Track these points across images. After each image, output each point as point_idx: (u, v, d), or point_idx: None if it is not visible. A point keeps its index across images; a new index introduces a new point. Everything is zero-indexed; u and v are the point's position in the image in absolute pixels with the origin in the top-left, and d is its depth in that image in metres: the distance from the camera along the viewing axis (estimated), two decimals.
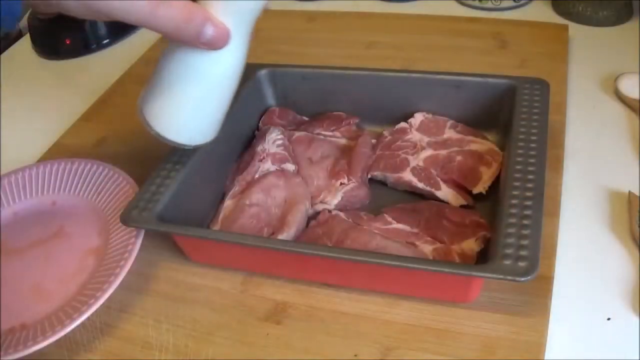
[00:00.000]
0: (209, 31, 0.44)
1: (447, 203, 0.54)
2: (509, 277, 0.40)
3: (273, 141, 0.60)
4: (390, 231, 0.51)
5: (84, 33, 0.90)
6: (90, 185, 0.61)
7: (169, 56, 0.48)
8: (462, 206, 0.53)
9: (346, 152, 0.60)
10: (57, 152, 0.70)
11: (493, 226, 0.49)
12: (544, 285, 0.47)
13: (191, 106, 0.49)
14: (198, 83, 0.48)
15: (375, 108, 0.63)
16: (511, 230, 0.43)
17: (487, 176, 0.55)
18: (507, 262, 0.41)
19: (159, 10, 0.41)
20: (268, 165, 0.58)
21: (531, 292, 0.46)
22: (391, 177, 0.57)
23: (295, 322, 0.48)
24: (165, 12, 0.41)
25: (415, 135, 0.59)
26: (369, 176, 0.58)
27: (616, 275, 0.49)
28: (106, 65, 0.87)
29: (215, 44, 0.45)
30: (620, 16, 0.78)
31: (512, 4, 0.84)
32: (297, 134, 0.62)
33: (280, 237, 0.51)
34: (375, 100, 0.63)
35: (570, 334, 0.45)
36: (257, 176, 0.58)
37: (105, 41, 0.91)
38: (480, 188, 0.54)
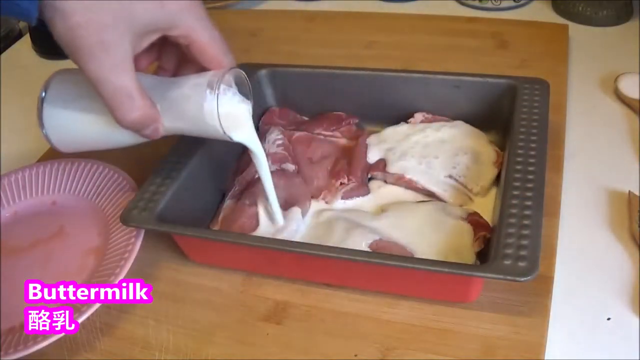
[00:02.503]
0: (147, 131, 0.45)
1: (447, 202, 0.54)
2: (509, 277, 0.40)
3: (273, 141, 0.60)
4: (391, 231, 0.51)
5: None
6: (90, 185, 0.61)
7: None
8: (461, 206, 0.53)
9: (346, 152, 0.60)
10: (57, 152, 0.69)
11: (493, 226, 0.49)
12: (544, 285, 0.47)
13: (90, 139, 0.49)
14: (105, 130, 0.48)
15: (375, 108, 0.63)
16: (511, 230, 0.43)
17: (487, 176, 0.55)
18: (507, 262, 0.41)
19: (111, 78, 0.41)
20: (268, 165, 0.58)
21: (531, 292, 0.46)
22: (391, 177, 0.57)
23: (295, 322, 0.48)
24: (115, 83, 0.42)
25: (415, 135, 0.59)
26: (369, 176, 0.58)
27: (616, 275, 0.49)
28: None
29: (143, 135, 0.46)
30: (620, 16, 0.78)
31: (512, 4, 0.84)
32: (297, 134, 0.62)
33: (280, 237, 0.51)
34: (375, 100, 0.63)
35: (570, 334, 0.45)
36: (257, 176, 0.58)
37: None
38: (480, 188, 0.54)
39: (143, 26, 0.42)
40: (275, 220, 0.52)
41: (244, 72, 0.48)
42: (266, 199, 0.51)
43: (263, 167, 0.50)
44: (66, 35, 0.40)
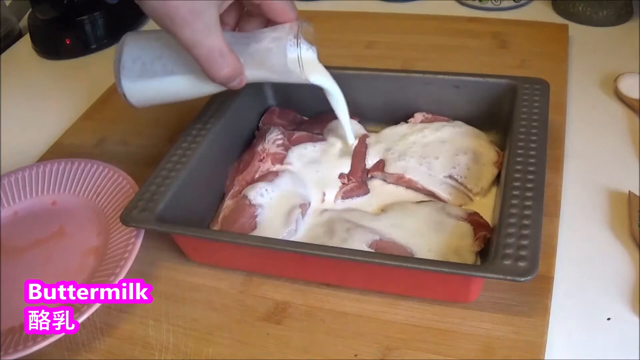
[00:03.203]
0: (234, 83, 0.50)
1: (447, 203, 0.54)
2: (509, 277, 0.40)
3: (273, 141, 0.60)
4: (391, 231, 0.51)
5: (84, 33, 0.90)
6: (90, 185, 0.61)
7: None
8: (461, 206, 0.53)
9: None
10: (57, 152, 0.70)
11: (493, 226, 0.49)
12: (544, 285, 0.47)
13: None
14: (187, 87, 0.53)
15: (375, 108, 0.63)
16: (511, 230, 0.43)
17: (487, 176, 0.55)
18: (507, 262, 0.41)
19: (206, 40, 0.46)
20: (268, 165, 0.58)
21: (531, 292, 0.46)
22: (391, 177, 0.57)
23: (295, 322, 0.48)
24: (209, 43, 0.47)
25: (412, 135, 0.59)
26: (369, 176, 0.58)
27: (616, 275, 0.49)
28: (106, 65, 0.86)
29: (229, 86, 0.50)
30: (620, 16, 0.78)
31: (512, 4, 0.84)
32: (297, 134, 0.62)
33: (280, 237, 0.51)
34: (375, 100, 0.63)
35: (570, 334, 0.45)
36: (257, 176, 0.58)
37: (105, 41, 0.91)
38: (480, 188, 0.54)
39: None
40: (348, 139, 0.59)
41: (310, 23, 0.53)
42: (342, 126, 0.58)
43: (340, 102, 0.56)
44: (161, 8, 0.44)
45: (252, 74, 0.51)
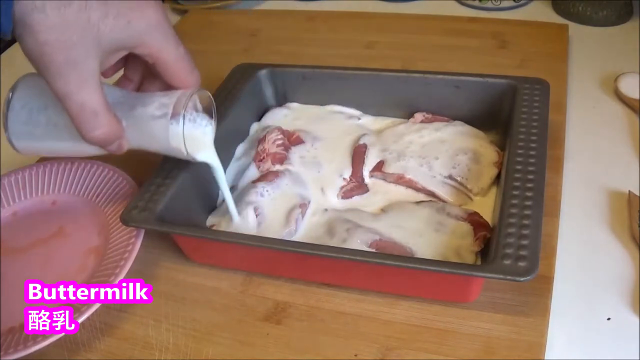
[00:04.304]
0: (111, 147, 0.46)
1: (447, 202, 0.54)
2: (509, 277, 0.40)
3: (273, 141, 0.60)
4: (391, 231, 0.51)
5: None
6: (90, 185, 0.61)
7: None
8: (461, 206, 0.53)
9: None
10: None
11: (493, 226, 0.49)
12: (544, 285, 0.47)
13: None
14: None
15: (375, 108, 0.63)
16: (511, 230, 0.43)
17: (487, 176, 0.55)
18: (507, 262, 0.41)
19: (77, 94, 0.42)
20: (268, 165, 0.58)
21: (531, 292, 0.46)
22: (391, 177, 0.57)
23: (295, 322, 0.48)
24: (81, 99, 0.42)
25: (417, 135, 0.59)
26: (369, 176, 0.58)
27: (616, 275, 0.49)
28: None
29: (107, 150, 0.46)
30: (620, 16, 0.78)
31: (512, 4, 0.84)
32: (297, 133, 0.62)
33: (280, 237, 0.51)
34: (375, 100, 0.63)
35: (570, 334, 0.45)
36: (257, 176, 0.58)
37: None
38: (480, 188, 0.54)
39: (109, 44, 0.42)
40: (233, 217, 0.53)
41: (208, 92, 0.49)
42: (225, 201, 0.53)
43: (223, 179, 0.52)
44: (35, 52, 0.40)
45: (136, 141, 0.47)
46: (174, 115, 0.45)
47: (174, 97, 0.46)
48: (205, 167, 0.56)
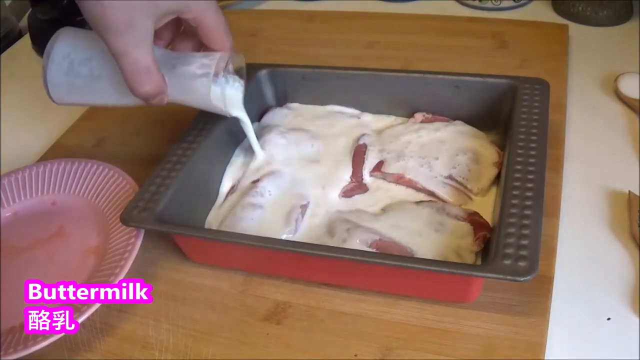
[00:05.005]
0: (153, 102, 0.50)
1: (447, 202, 0.54)
2: (509, 277, 0.40)
3: (273, 141, 0.60)
4: (391, 231, 0.51)
5: None
6: (90, 185, 0.61)
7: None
8: (461, 206, 0.53)
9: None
10: (57, 152, 0.70)
11: (493, 226, 0.49)
12: (544, 285, 0.47)
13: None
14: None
15: (375, 108, 0.63)
16: (511, 230, 0.43)
17: (487, 176, 0.55)
18: (507, 262, 0.41)
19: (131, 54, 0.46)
20: (268, 165, 0.58)
21: (531, 292, 0.46)
22: (391, 177, 0.57)
23: (295, 322, 0.48)
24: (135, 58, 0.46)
25: (415, 135, 0.59)
26: (370, 176, 0.58)
27: (616, 275, 0.49)
28: None
29: (149, 103, 0.50)
30: (620, 16, 0.78)
31: (512, 4, 0.84)
32: (296, 131, 0.62)
33: (280, 237, 0.51)
34: (375, 100, 0.63)
35: (570, 334, 0.45)
36: (257, 176, 0.58)
37: None
38: (480, 188, 0.54)
39: (163, 8, 0.47)
40: (256, 154, 0.58)
41: (242, 55, 0.54)
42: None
43: (250, 129, 0.57)
44: (96, 12, 0.44)
45: (175, 95, 0.51)
46: (214, 74, 0.50)
47: (214, 59, 0.50)
48: (205, 166, 0.56)
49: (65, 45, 0.52)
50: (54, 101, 0.53)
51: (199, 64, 0.50)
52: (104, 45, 0.47)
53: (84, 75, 0.51)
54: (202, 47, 0.52)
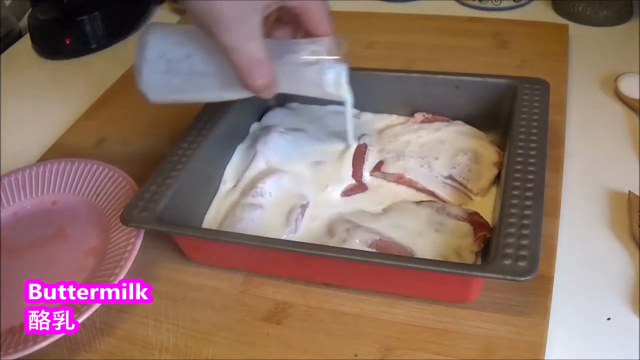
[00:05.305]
0: (264, 94, 0.49)
1: (447, 202, 0.54)
2: (509, 277, 0.40)
3: (273, 141, 0.60)
4: (391, 231, 0.51)
5: (84, 33, 0.90)
6: (90, 185, 0.61)
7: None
8: (461, 206, 0.53)
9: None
10: (57, 152, 0.70)
11: (493, 226, 0.49)
12: (544, 285, 0.47)
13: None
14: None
15: (375, 108, 0.63)
16: (511, 230, 0.43)
17: (487, 176, 0.55)
18: (507, 262, 0.41)
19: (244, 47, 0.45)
20: (268, 165, 0.58)
21: (531, 292, 0.46)
22: (391, 177, 0.57)
23: (295, 322, 0.48)
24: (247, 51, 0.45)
25: (415, 135, 0.59)
26: (370, 176, 0.58)
27: (616, 275, 0.49)
28: (106, 65, 0.87)
29: (260, 95, 0.49)
30: (620, 16, 0.78)
31: (512, 4, 0.84)
32: (296, 132, 0.62)
33: (280, 237, 0.51)
34: (375, 100, 0.63)
35: (570, 334, 0.45)
36: (257, 176, 0.58)
37: (105, 41, 0.91)
38: (480, 188, 0.54)
39: None
40: (348, 141, 0.58)
41: (344, 37, 0.52)
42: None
43: (350, 114, 0.56)
44: (204, 8, 0.43)
45: (283, 84, 0.49)
46: (324, 61, 0.49)
47: (323, 45, 0.49)
48: (205, 166, 0.56)
49: (159, 43, 0.50)
50: (150, 101, 0.52)
51: (308, 51, 0.49)
52: (200, 39, 0.46)
53: (184, 72, 0.50)
54: (296, 34, 0.52)
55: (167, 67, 0.50)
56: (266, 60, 0.46)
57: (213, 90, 0.51)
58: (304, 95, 0.53)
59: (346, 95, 0.53)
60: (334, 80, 0.50)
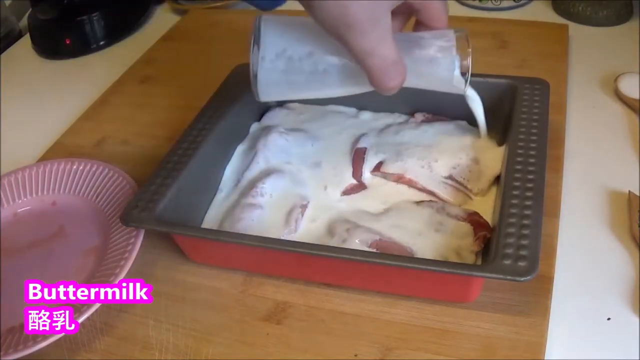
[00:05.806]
0: (393, 91, 0.47)
1: (447, 202, 0.54)
2: (509, 277, 0.40)
3: (273, 141, 0.60)
4: (391, 231, 0.51)
5: (84, 33, 0.90)
6: (90, 185, 0.61)
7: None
8: (461, 206, 0.53)
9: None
10: (57, 152, 0.70)
11: (493, 226, 0.49)
12: (544, 285, 0.47)
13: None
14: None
15: (374, 108, 0.63)
16: (511, 230, 0.43)
17: (487, 176, 0.55)
18: (507, 262, 0.41)
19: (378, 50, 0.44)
20: (268, 165, 0.58)
21: (531, 292, 0.46)
22: (391, 176, 0.57)
23: (295, 322, 0.48)
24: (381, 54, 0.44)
25: (415, 135, 0.59)
26: (370, 176, 0.58)
27: (616, 275, 0.49)
28: (106, 65, 0.87)
29: (387, 93, 0.47)
30: (620, 16, 0.78)
31: (512, 4, 0.84)
32: (296, 132, 0.62)
33: (280, 237, 0.51)
34: (375, 100, 0.62)
35: (570, 334, 0.45)
36: (257, 176, 0.58)
37: (105, 41, 0.91)
38: (480, 188, 0.54)
39: None
40: (481, 132, 0.57)
41: (466, 31, 0.50)
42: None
43: (480, 106, 0.55)
44: (335, 13, 0.41)
45: (411, 80, 0.47)
46: (453, 57, 0.48)
47: (450, 40, 0.48)
48: (205, 166, 0.56)
49: (277, 39, 0.48)
50: (260, 100, 0.50)
51: (436, 47, 0.48)
52: (318, 33, 0.45)
53: (306, 71, 0.47)
54: (404, 27, 0.50)
55: (286, 65, 0.47)
56: (400, 60, 0.45)
57: (333, 87, 0.49)
58: (429, 89, 0.51)
59: (469, 89, 0.52)
60: (464, 75, 0.49)
